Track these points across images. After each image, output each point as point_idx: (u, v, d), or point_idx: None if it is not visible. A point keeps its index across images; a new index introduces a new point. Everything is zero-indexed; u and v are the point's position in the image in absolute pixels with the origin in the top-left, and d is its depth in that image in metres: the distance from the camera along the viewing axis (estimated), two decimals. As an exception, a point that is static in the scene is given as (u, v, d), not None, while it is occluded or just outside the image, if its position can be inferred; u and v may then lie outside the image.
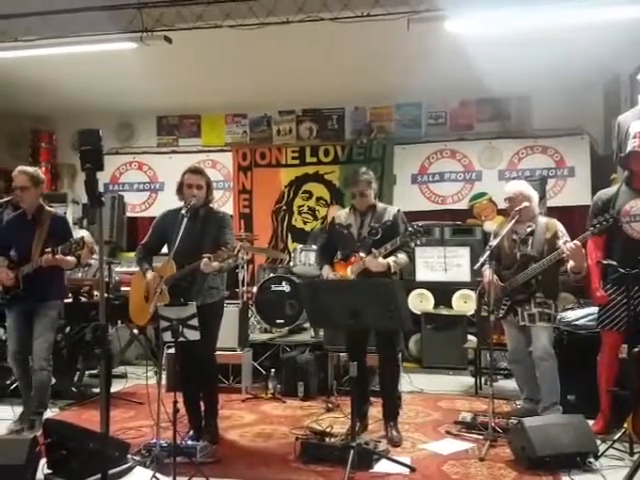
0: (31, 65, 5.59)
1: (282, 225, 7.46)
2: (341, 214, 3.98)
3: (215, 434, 3.67)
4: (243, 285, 5.83)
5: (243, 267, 5.92)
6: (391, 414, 3.79)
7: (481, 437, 3.58)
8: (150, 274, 3.65)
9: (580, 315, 4.19)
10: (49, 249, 3.71)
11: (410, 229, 3.54)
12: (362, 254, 3.67)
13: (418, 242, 3.59)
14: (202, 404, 3.72)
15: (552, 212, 5.65)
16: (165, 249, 3.77)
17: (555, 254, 3.75)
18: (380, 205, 3.87)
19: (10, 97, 6.65)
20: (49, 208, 4.04)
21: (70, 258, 3.82)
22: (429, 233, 6.27)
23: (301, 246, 5.93)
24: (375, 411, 4.08)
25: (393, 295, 3.17)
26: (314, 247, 5.81)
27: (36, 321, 3.90)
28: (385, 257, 3.62)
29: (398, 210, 3.84)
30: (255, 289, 5.82)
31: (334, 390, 4.74)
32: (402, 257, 3.66)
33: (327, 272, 3.88)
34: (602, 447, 3.25)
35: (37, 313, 3.90)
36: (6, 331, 4.11)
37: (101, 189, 2.43)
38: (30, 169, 3.96)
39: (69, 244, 3.70)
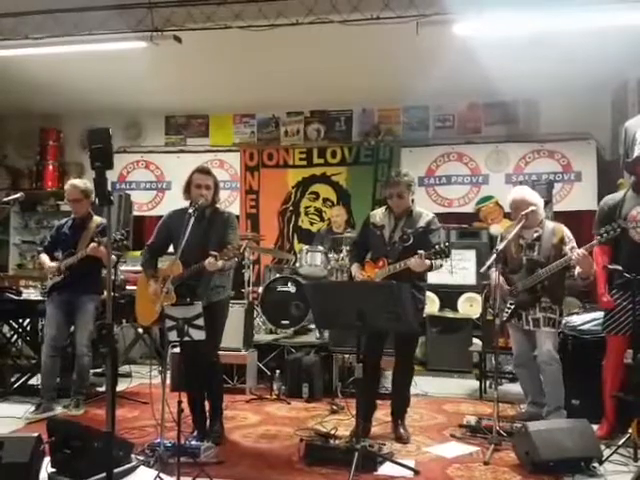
0: (40, 63, 5.62)
1: (288, 226, 7.46)
2: (377, 213, 3.93)
3: (221, 435, 3.68)
4: (249, 285, 5.84)
5: (249, 267, 5.92)
6: (400, 413, 3.84)
7: (485, 441, 3.58)
8: (152, 287, 3.65)
9: (585, 320, 4.18)
10: (97, 239, 4.17)
11: (437, 247, 3.49)
12: (390, 259, 3.66)
13: (440, 262, 3.56)
14: (208, 404, 3.73)
15: (558, 217, 5.64)
16: (171, 249, 3.77)
17: (562, 261, 3.74)
18: (416, 210, 3.82)
19: (19, 95, 6.68)
20: (97, 217, 4.50)
21: (112, 256, 4.05)
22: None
23: (307, 247, 5.93)
24: (380, 414, 4.09)
25: (399, 297, 3.17)
26: (320, 248, 5.82)
27: (78, 313, 4.35)
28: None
29: (433, 217, 3.81)
30: (261, 289, 5.82)
31: (339, 392, 4.74)
32: (438, 262, 3.60)
33: (355, 271, 3.87)
34: (606, 452, 3.25)
35: (78, 306, 4.35)
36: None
37: (109, 188, 2.43)
38: (80, 183, 4.45)
39: (116, 239, 4.06)
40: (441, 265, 3.67)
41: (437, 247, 3.49)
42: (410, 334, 3.70)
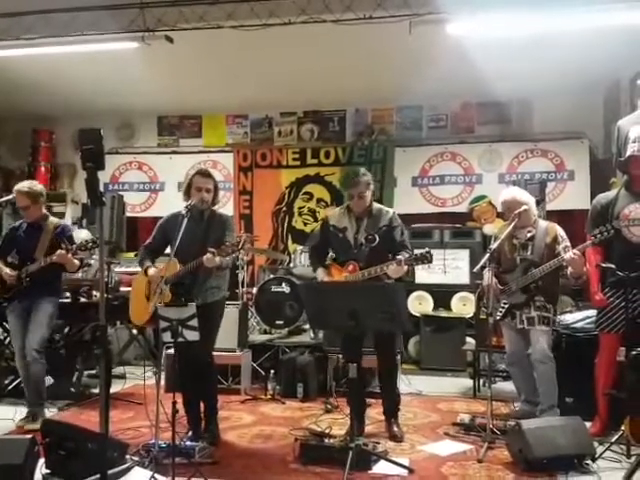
0: (32, 64, 5.59)
1: (282, 226, 7.46)
2: (334, 215, 3.87)
3: (216, 435, 3.68)
4: (243, 286, 5.83)
5: (243, 268, 5.92)
6: (392, 412, 3.84)
7: (479, 439, 3.59)
8: (152, 270, 3.67)
9: (578, 318, 4.20)
10: (64, 246, 3.94)
11: (417, 254, 3.49)
12: (360, 263, 3.65)
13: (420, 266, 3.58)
14: (202, 404, 3.72)
15: (551, 216, 5.67)
16: (169, 250, 3.77)
17: (555, 261, 3.76)
18: (375, 207, 3.80)
19: (11, 96, 6.64)
20: (53, 218, 4.29)
21: (76, 261, 4.08)
22: (429, 236, 6.29)
23: (301, 247, 5.95)
24: (374, 412, 4.10)
25: (394, 297, 3.17)
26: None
27: (33, 316, 4.09)
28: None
29: (393, 213, 3.79)
30: (255, 290, 5.82)
31: (333, 391, 4.75)
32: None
33: (322, 275, 3.82)
34: (599, 449, 3.26)
35: (34, 310, 4.10)
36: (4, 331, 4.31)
37: (101, 189, 2.43)
38: (25, 187, 4.13)
39: (86, 241, 3.91)
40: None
41: (419, 253, 3.49)
42: (387, 333, 3.69)
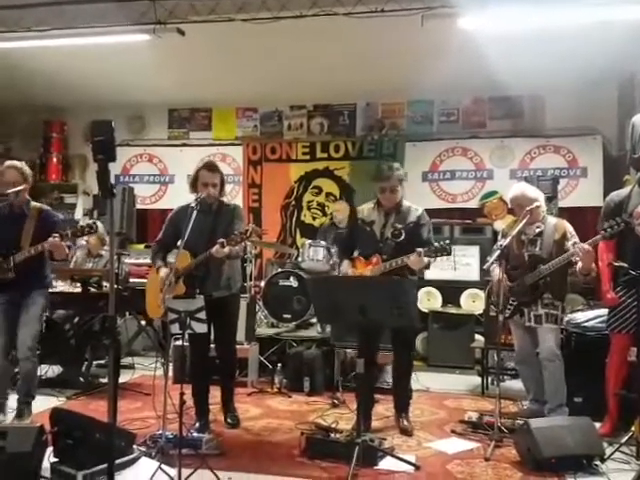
0: (44, 56, 5.60)
1: (291, 220, 7.45)
2: (364, 209, 3.90)
3: (239, 418, 3.88)
4: (251, 279, 5.83)
5: (251, 261, 5.92)
6: (403, 407, 3.87)
7: (487, 437, 3.57)
8: (163, 271, 3.69)
9: (589, 317, 4.16)
10: (57, 233, 3.64)
11: (438, 245, 3.48)
12: (384, 256, 3.65)
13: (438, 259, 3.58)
14: (221, 394, 3.87)
15: (564, 212, 5.60)
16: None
17: (565, 256, 3.72)
18: (405, 204, 3.81)
19: (23, 87, 6.67)
20: (34, 202, 3.98)
21: (66, 249, 3.81)
22: (439, 232, 6.25)
23: (309, 241, 5.93)
24: (381, 408, 4.09)
25: (403, 293, 3.16)
26: (322, 243, 5.81)
27: (24, 310, 3.82)
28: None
29: (422, 211, 3.81)
30: (263, 283, 5.82)
31: (340, 386, 4.74)
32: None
33: (346, 268, 3.86)
34: (608, 450, 3.24)
35: (25, 302, 3.83)
36: None
37: (112, 181, 2.43)
38: (17, 163, 3.90)
39: (82, 226, 3.68)
40: (435, 260, 3.68)
41: (437, 245, 3.48)
42: (407, 329, 3.69)
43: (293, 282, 5.61)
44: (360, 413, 3.25)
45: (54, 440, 2.94)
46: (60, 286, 4.88)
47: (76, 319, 5.04)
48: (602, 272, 3.68)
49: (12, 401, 4.00)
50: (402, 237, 3.65)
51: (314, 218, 7.38)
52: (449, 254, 3.50)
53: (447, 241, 3.53)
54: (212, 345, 3.83)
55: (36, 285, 3.88)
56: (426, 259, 3.53)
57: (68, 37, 4.76)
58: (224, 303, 3.63)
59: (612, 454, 3.22)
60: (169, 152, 7.69)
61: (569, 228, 3.93)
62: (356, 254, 3.89)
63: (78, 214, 7.58)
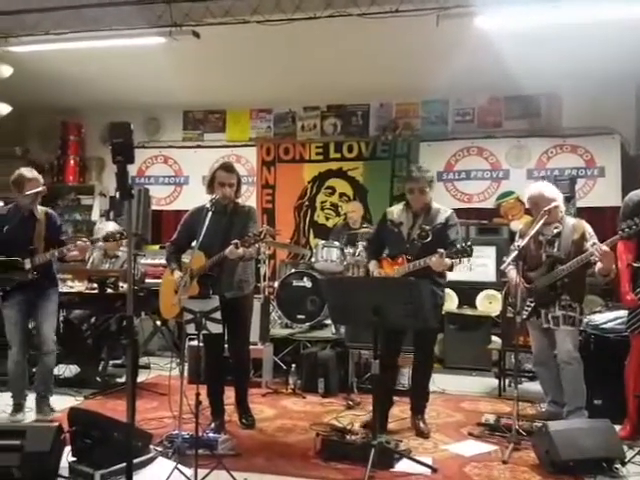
0: (62, 58, 5.65)
1: (304, 221, 7.45)
2: (394, 210, 3.91)
3: (254, 419, 3.90)
4: (264, 280, 5.84)
5: (265, 262, 5.93)
6: (419, 409, 3.86)
7: (504, 440, 3.54)
8: (177, 274, 3.72)
9: (608, 318, 4.11)
10: (85, 238, 3.93)
11: (459, 247, 3.46)
12: (409, 257, 3.64)
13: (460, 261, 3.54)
14: (235, 394, 3.89)
15: (581, 213, 5.54)
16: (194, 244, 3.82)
17: (583, 256, 3.67)
18: (435, 206, 3.80)
19: (41, 90, 6.74)
20: (40, 206, 4.09)
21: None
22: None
23: (323, 242, 5.92)
24: (397, 410, 4.07)
25: (418, 294, 3.14)
26: (336, 243, 5.80)
27: (41, 307, 3.99)
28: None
29: (451, 213, 3.79)
30: (276, 284, 5.83)
31: (355, 387, 4.73)
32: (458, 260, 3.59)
33: (373, 268, 3.87)
34: (629, 453, 3.19)
35: (41, 300, 4.00)
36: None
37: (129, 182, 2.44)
38: (33, 170, 4.03)
39: (113, 233, 3.91)
40: (460, 262, 3.62)
41: (459, 246, 3.45)
42: (428, 331, 3.68)
43: (307, 283, 5.61)
44: (376, 415, 3.23)
45: (72, 439, 2.97)
46: (77, 287, 4.92)
47: (93, 319, 5.08)
48: (621, 273, 3.63)
49: (28, 401, 4.07)
50: (429, 238, 3.63)
51: (327, 218, 7.38)
52: (470, 256, 3.45)
53: (469, 243, 3.49)
54: (226, 346, 3.84)
55: (50, 284, 4.06)
56: (449, 261, 3.50)
57: (86, 40, 4.82)
58: (237, 304, 3.64)
59: (633, 457, 3.18)
60: (184, 154, 7.74)
61: (588, 228, 3.87)
62: (385, 255, 3.90)
63: (95, 215, 7.63)
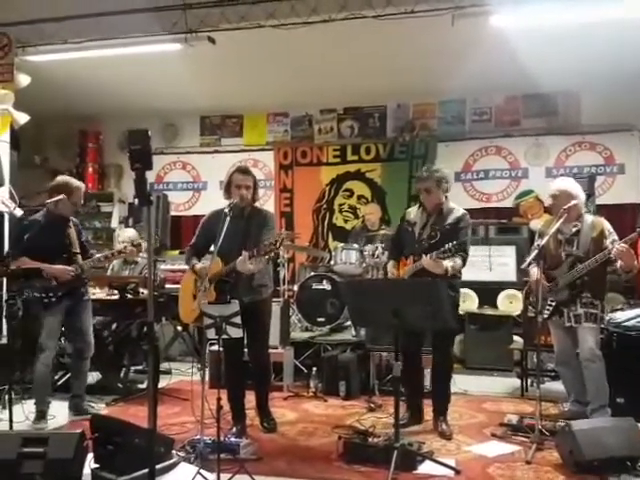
0: (80, 66, 5.73)
1: (323, 224, 7.46)
2: (412, 211, 3.97)
3: (275, 422, 3.91)
4: (284, 283, 5.85)
5: (284, 265, 5.94)
6: (441, 410, 3.85)
7: (527, 440, 3.50)
8: (199, 265, 3.75)
9: (630, 316, 4.06)
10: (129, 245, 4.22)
11: (446, 247, 3.45)
12: (416, 257, 3.65)
13: (459, 262, 3.55)
14: (255, 398, 3.88)
15: (601, 210, 5.48)
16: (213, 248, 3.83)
17: (602, 255, 3.63)
18: (449, 206, 3.80)
19: (59, 98, 6.82)
20: None
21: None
22: (473, 232, 6.16)
23: (342, 245, 5.92)
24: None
25: (436, 295, 3.12)
26: (355, 246, 5.79)
27: (83, 313, 4.19)
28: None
29: (463, 214, 3.78)
30: (296, 287, 5.84)
31: (376, 390, 4.71)
32: (458, 262, 3.60)
33: (390, 268, 3.92)
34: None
35: (81, 308, 4.18)
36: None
37: (148, 188, 2.46)
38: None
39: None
40: (460, 266, 3.63)
41: (446, 246, 3.45)
42: (447, 332, 3.66)
43: (326, 285, 5.61)
44: (397, 418, 3.21)
45: (94, 446, 2.99)
46: (98, 293, 4.98)
47: (114, 326, 5.12)
48: (643, 270, 3.58)
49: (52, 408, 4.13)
50: (437, 238, 3.63)
51: (346, 221, 7.37)
52: (452, 255, 3.47)
53: (454, 243, 3.46)
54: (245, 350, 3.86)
55: (86, 291, 4.27)
56: (446, 262, 3.50)
57: (103, 48, 4.89)
58: (255, 308, 3.64)
59: (659, 457, 3.12)
60: (201, 159, 7.80)
61: (607, 226, 3.83)
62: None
63: (114, 222, 7.72)
